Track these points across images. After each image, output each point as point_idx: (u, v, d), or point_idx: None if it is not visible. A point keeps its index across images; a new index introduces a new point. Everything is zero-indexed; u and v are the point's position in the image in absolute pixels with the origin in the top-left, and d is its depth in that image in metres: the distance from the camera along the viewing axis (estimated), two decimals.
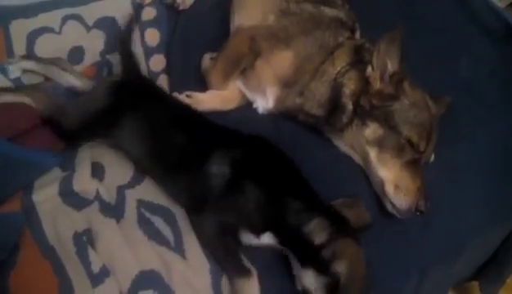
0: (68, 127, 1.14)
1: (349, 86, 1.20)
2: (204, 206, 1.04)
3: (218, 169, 1.05)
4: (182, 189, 1.10)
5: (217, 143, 1.11)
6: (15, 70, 1.32)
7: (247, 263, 1.02)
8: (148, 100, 1.20)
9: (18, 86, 1.30)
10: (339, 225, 0.99)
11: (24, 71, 1.34)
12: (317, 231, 0.97)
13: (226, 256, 1.03)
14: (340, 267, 0.92)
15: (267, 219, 1.02)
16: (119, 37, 1.40)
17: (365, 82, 1.18)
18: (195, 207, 1.07)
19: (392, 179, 1.12)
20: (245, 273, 0.99)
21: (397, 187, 1.11)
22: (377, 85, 1.16)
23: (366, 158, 1.17)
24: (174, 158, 1.11)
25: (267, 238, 1.03)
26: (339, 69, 1.23)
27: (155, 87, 1.28)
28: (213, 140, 1.13)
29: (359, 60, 1.23)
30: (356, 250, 0.97)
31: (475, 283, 1.68)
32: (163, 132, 1.13)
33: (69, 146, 1.17)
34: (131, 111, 1.14)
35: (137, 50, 1.44)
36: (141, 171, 1.17)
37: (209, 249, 1.05)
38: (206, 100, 1.30)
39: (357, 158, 1.21)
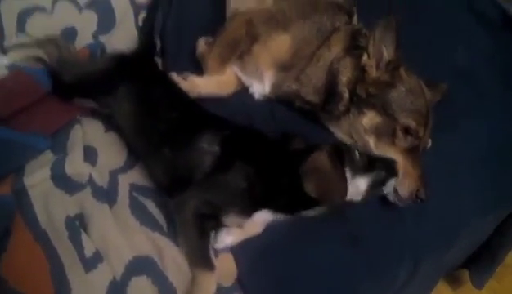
0: (66, 81, 1.17)
1: (345, 74, 1.19)
2: (188, 185, 1.02)
3: (209, 146, 1.05)
4: (166, 167, 1.08)
5: (207, 123, 1.11)
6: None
7: (213, 258, 0.98)
8: (147, 80, 1.20)
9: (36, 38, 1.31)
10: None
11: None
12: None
13: (197, 243, 0.99)
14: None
15: (261, 197, 1.01)
16: (144, 20, 1.43)
17: (361, 69, 1.17)
18: (178, 188, 1.04)
19: None
20: (209, 266, 0.96)
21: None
22: (373, 73, 1.16)
23: (365, 146, 1.16)
24: (161, 134, 1.10)
25: (258, 216, 1.03)
26: (334, 54, 1.22)
27: (160, 72, 1.29)
28: (203, 121, 1.13)
29: (355, 46, 1.22)
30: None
31: (465, 272, 1.71)
32: (155, 109, 1.14)
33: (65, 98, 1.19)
34: (127, 85, 1.15)
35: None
36: (130, 148, 1.18)
37: (183, 231, 1.01)
38: (202, 85, 1.28)
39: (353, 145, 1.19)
